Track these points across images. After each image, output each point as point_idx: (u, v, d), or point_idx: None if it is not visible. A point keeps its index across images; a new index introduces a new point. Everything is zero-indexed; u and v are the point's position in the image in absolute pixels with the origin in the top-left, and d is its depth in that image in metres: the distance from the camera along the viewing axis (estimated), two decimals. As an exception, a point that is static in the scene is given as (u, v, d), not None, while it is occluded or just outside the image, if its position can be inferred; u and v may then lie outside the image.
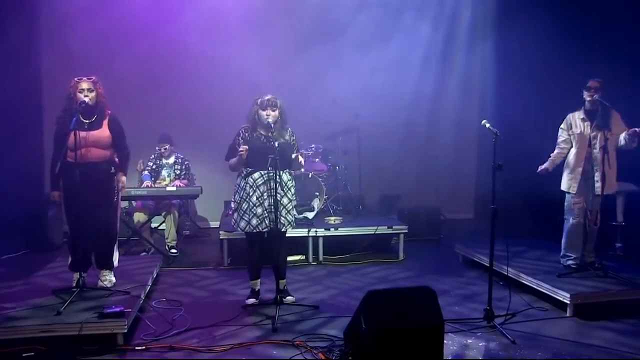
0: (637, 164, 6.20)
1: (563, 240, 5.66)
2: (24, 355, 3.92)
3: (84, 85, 4.65)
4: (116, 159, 4.87)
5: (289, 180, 5.04)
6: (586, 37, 7.21)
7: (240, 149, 4.80)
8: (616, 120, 5.37)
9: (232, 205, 5.11)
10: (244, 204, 4.93)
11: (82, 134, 4.56)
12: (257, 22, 8.58)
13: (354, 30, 8.73)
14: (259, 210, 4.88)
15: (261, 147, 4.85)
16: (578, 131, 5.45)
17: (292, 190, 5.09)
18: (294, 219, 5.15)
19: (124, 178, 5.00)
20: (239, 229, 5.02)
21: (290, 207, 5.05)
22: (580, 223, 5.50)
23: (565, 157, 5.56)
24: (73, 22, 7.89)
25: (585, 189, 5.45)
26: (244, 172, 4.96)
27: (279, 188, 4.85)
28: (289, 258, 6.59)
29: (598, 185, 5.30)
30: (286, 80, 8.08)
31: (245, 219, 4.91)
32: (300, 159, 5.00)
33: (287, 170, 5.03)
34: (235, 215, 5.02)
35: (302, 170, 7.20)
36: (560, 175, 5.60)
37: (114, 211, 4.90)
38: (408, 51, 9.11)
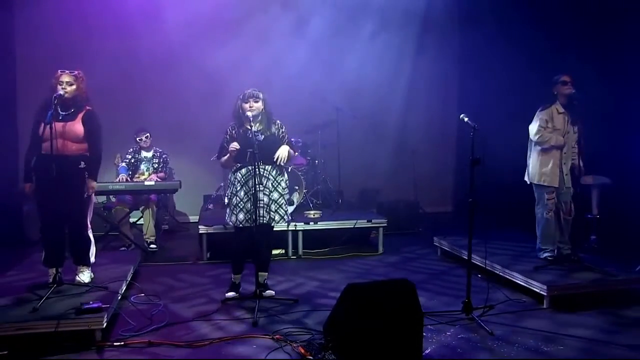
0: (612, 158, 6.31)
1: (538, 235, 5.73)
2: (-2, 353, 3.87)
3: (65, 78, 4.59)
4: (87, 155, 4.76)
5: (278, 174, 5.02)
6: (559, 31, 7.32)
7: (231, 147, 4.79)
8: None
9: (225, 200, 5.13)
10: (234, 199, 4.93)
11: (59, 126, 4.50)
12: (234, 17, 8.53)
13: (333, 25, 8.72)
14: (249, 205, 4.87)
15: (247, 142, 4.83)
16: (558, 126, 5.50)
17: (283, 184, 5.06)
18: (286, 213, 5.10)
19: (94, 184, 4.83)
20: (231, 223, 5.02)
21: (282, 201, 5.03)
22: (553, 217, 5.58)
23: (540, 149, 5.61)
24: (49, 15, 7.78)
25: (560, 182, 5.53)
26: (234, 168, 4.96)
27: (267, 183, 4.86)
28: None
29: (567, 177, 5.42)
30: (264, 74, 8.04)
31: (235, 213, 4.91)
32: (282, 155, 4.90)
33: (275, 164, 5.00)
34: (228, 210, 5.03)
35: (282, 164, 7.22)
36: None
37: (85, 206, 4.82)
38: (387, 46, 9.12)
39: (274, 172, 4.99)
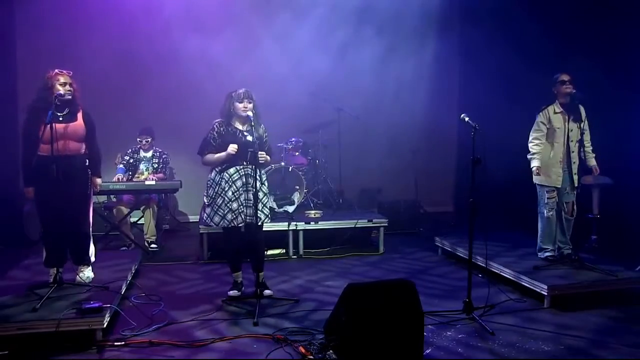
0: (613, 158, 6.30)
1: (539, 234, 5.73)
2: (-2, 353, 3.87)
3: (65, 78, 4.59)
4: (87, 154, 4.79)
5: (262, 175, 5.03)
6: (561, 29, 7.32)
7: (230, 148, 4.79)
8: (584, 114, 5.48)
9: (205, 200, 5.06)
10: (218, 199, 4.90)
11: (60, 126, 4.50)
12: (234, 13, 8.53)
13: (334, 25, 8.71)
14: (235, 205, 4.87)
15: (237, 141, 4.84)
16: (558, 125, 5.50)
17: (266, 183, 5.10)
18: (269, 212, 5.15)
19: (99, 181, 4.97)
20: (212, 224, 5.00)
21: (266, 200, 5.06)
22: (554, 216, 5.58)
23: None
24: (48, 14, 7.78)
25: (563, 182, 5.53)
26: (219, 167, 4.93)
27: (255, 183, 4.85)
28: (270, 252, 6.60)
29: (575, 177, 5.41)
30: (265, 73, 8.06)
31: (220, 213, 4.89)
32: (265, 157, 4.92)
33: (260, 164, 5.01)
34: (209, 210, 4.98)
35: (283, 163, 7.25)
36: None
37: (88, 205, 4.84)
38: (388, 46, 9.12)
39: (260, 172, 4.98)
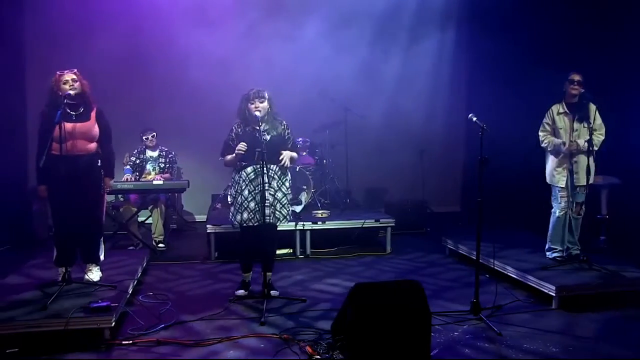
0: (621, 158, 6.28)
1: (549, 232, 5.70)
2: (7, 351, 3.88)
3: (69, 77, 4.62)
4: (100, 153, 4.82)
5: (282, 174, 5.02)
6: (570, 28, 7.29)
7: (239, 147, 4.79)
8: (594, 113, 5.40)
9: (229, 199, 5.11)
10: (239, 198, 4.93)
11: (69, 126, 4.53)
12: (241, 12, 8.53)
13: (339, 25, 8.70)
14: (252, 204, 4.88)
15: (253, 141, 4.84)
16: (560, 126, 5.47)
17: (287, 184, 5.08)
18: (289, 212, 5.13)
19: (111, 182, 5.03)
20: (236, 222, 5.01)
21: (285, 201, 5.05)
22: (565, 215, 5.55)
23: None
24: (57, 16, 7.82)
25: (571, 182, 5.50)
26: (238, 167, 4.96)
27: (273, 182, 4.86)
28: (277, 252, 6.60)
29: (582, 177, 5.37)
30: (272, 72, 8.05)
31: (240, 212, 4.91)
32: (286, 160, 4.93)
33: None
34: (232, 208, 5.03)
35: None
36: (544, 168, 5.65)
37: (100, 204, 4.87)
38: (395, 45, 9.11)
39: (279, 172, 4.99)
